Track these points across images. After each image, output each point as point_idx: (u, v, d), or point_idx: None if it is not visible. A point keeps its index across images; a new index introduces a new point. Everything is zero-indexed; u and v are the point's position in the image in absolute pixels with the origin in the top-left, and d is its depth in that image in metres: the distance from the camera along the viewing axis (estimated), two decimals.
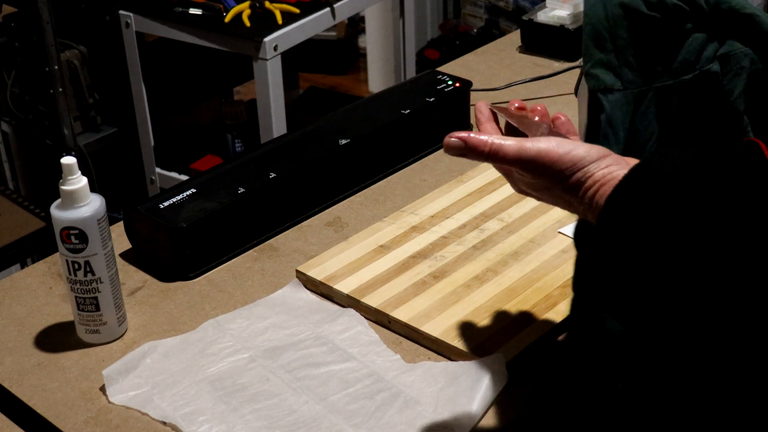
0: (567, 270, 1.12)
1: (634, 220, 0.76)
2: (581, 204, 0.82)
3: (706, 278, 0.73)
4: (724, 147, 0.78)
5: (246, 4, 2.25)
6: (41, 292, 1.17)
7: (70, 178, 1.01)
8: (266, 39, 2.15)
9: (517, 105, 0.96)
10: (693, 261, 0.73)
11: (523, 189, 0.90)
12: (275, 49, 2.17)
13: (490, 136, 0.84)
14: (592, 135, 0.91)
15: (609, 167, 0.82)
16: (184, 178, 2.44)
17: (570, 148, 0.82)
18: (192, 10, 2.25)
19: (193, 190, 1.21)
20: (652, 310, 0.78)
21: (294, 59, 3.07)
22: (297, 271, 1.17)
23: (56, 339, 1.09)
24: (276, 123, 2.24)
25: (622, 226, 0.77)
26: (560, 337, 1.05)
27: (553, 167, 0.82)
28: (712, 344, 0.77)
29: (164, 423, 0.96)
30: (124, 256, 1.23)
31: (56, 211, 1.02)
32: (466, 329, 1.04)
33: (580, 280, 0.91)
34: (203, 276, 1.19)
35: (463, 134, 0.85)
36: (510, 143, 0.83)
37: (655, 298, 0.77)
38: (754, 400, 0.80)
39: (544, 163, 0.83)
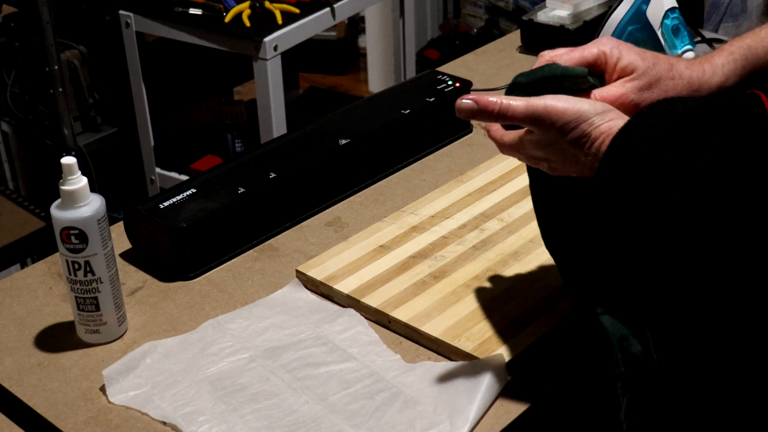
0: None
1: (637, 160, 0.79)
2: (587, 156, 0.85)
3: (704, 217, 0.75)
4: (725, 95, 0.81)
5: (246, 4, 2.25)
6: (41, 292, 1.17)
7: (70, 178, 1.01)
8: (266, 39, 2.15)
9: None
10: (691, 202, 0.75)
11: (531, 154, 0.92)
12: (275, 49, 2.17)
13: (498, 97, 0.89)
14: None
15: (614, 120, 0.85)
16: (184, 178, 2.44)
17: (575, 102, 0.87)
18: (192, 10, 2.25)
19: (193, 190, 1.21)
20: (652, 257, 0.80)
21: (294, 59, 3.07)
22: (297, 271, 1.17)
23: (56, 339, 1.09)
24: (276, 123, 2.24)
25: (625, 167, 0.80)
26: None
27: (559, 120, 0.86)
28: (715, 294, 0.78)
29: (164, 423, 0.96)
30: (124, 256, 1.23)
31: (56, 211, 1.02)
32: (466, 329, 1.04)
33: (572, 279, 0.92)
34: (203, 276, 1.19)
35: (473, 96, 0.90)
36: (518, 101, 0.88)
37: (655, 242, 0.79)
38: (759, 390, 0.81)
39: (550, 116, 0.86)
